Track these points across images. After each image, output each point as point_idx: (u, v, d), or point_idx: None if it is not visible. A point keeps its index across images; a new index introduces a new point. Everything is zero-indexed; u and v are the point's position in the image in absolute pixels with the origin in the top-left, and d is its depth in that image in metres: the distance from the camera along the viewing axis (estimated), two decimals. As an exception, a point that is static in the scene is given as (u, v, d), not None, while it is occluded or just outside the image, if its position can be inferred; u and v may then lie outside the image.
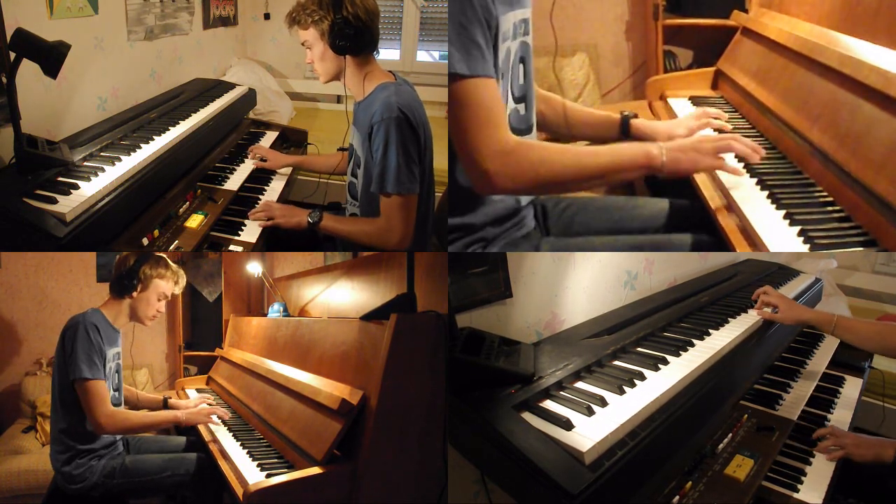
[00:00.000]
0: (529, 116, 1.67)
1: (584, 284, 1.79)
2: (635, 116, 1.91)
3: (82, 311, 1.98)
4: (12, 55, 1.66)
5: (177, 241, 1.94)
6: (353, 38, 1.84)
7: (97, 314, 1.99)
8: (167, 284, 2.11)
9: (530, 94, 1.67)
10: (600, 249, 1.81)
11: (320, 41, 1.87)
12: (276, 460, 1.75)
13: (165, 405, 2.30)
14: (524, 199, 1.74)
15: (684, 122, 1.95)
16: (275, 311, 3.07)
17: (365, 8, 1.85)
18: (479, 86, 1.39)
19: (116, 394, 2.03)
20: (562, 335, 1.68)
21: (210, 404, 2.27)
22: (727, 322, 1.79)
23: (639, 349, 1.57)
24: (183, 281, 2.19)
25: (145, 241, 1.86)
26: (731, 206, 1.58)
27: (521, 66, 1.61)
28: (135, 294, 2.05)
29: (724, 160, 1.54)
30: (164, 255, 2.11)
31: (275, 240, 2.22)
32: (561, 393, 1.30)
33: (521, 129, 1.64)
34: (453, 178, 1.58)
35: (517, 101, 1.61)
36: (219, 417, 2.15)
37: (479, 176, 1.42)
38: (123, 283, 2.03)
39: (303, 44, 1.92)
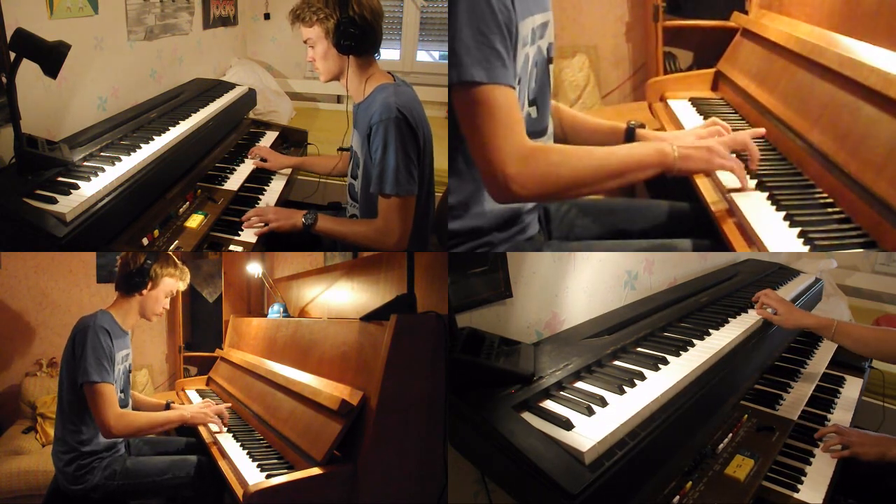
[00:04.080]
0: (543, 119, 1.64)
1: (584, 284, 1.79)
2: (641, 126, 1.85)
3: (92, 313, 1.97)
4: (12, 55, 1.66)
5: (177, 241, 1.93)
6: (358, 38, 1.84)
7: (106, 316, 1.99)
8: (175, 282, 2.13)
9: (543, 96, 1.63)
10: (603, 250, 1.81)
11: (324, 40, 1.87)
12: (276, 461, 1.75)
13: (168, 409, 2.29)
14: (529, 203, 1.73)
15: (693, 131, 1.89)
16: (275, 311, 3.07)
17: (371, 8, 1.84)
18: (500, 93, 1.35)
19: (123, 395, 2.03)
20: (562, 335, 1.68)
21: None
22: (727, 322, 1.79)
23: (639, 349, 1.57)
24: (188, 278, 2.21)
25: (145, 241, 1.86)
26: (731, 208, 1.58)
27: (536, 69, 1.58)
28: (144, 292, 2.05)
29: (736, 162, 1.50)
30: (172, 254, 2.11)
31: (275, 240, 2.21)
32: (561, 393, 1.30)
33: (534, 132, 1.60)
34: (455, 183, 1.56)
35: (530, 104, 1.59)
36: (220, 418, 2.12)
37: (498, 182, 1.37)
38: (134, 280, 2.03)
39: (305, 41, 1.92)
